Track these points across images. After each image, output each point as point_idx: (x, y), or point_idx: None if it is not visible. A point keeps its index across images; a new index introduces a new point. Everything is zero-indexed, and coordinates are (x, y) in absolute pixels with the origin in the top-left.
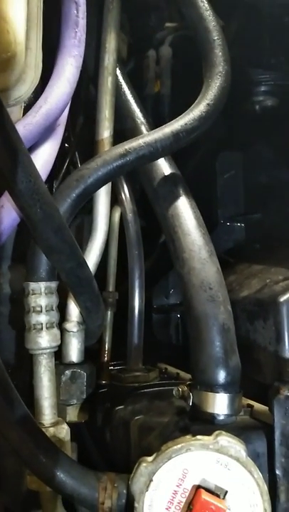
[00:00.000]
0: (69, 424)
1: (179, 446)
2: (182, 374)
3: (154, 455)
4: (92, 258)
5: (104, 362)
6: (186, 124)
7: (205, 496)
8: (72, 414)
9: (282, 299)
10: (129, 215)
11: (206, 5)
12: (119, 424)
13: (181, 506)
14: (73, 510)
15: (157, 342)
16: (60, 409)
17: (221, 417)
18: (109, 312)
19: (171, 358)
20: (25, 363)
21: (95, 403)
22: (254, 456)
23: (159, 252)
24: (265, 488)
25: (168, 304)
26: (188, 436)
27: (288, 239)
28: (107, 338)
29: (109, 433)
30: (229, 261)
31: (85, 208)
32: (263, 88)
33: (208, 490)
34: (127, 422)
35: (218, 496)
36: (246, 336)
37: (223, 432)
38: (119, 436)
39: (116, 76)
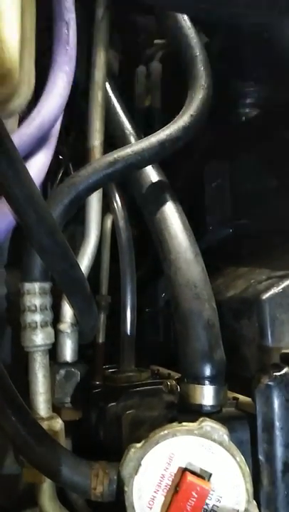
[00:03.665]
0: (63, 422)
1: (166, 432)
2: (173, 374)
3: (143, 441)
4: (84, 261)
5: (98, 364)
6: (170, 133)
7: (190, 478)
8: (67, 412)
9: (265, 296)
10: (121, 222)
11: (188, 23)
12: (111, 420)
13: (168, 489)
14: (67, 502)
15: (149, 347)
16: (55, 407)
17: (208, 408)
18: (102, 315)
19: (163, 361)
20: (21, 361)
21: (89, 402)
22: (238, 443)
23: (151, 261)
24: (247, 470)
25: (159, 308)
26: (174, 423)
27: (273, 242)
28: (101, 341)
29: (103, 430)
30: (218, 265)
31: (77, 218)
32: (248, 100)
33: (193, 473)
34: (118, 417)
35: (203, 478)
36: (233, 333)
37: (207, 419)
38: (112, 432)
39: (106, 90)
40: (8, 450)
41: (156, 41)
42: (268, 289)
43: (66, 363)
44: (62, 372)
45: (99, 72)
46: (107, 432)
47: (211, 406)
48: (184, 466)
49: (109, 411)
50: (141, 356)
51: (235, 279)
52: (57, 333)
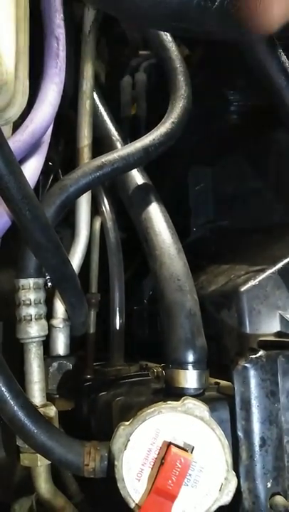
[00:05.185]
0: None
1: (152, 409)
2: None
3: (131, 419)
4: (75, 260)
5: (88, 359)
6: (154, 139)
7: (175, 450)
8: (60, 402)
9: (243, 289)
10: (109, 223)
11: (169, 37)
12: (102, 408)
13: (155, 462)
14: (61, 487)
15: (138, 343)
16: (48, 398)
17: (191, 391)
18: (92, 312)
19: (151, 356)
20: (16, 355)
21: (81, 395)
22: (219, 422)
23: (138, 262)
24: (226, 442)
25: (147, 305)
26: (160, 402)
27: (253, 241)
28: (91, 337)
29: (94, 418)
30: (201, 263)
31: (66, 223)
32: (231, 107)
33: (177, 446)
34: (109, 404)
35: (186, 450)
36: (215, 325)
37: (190, 397)
38: (103, 419)
39: (93, 99)
40: (1, 443)
41: (141, 52)
42: (245, 282)
43: (59, 356)
44: (55, 364)
45: (87, 83)
46: (98, 420)
47: (194, 389)
48: (168, 441)
49: (100, 400)
50: (131, 353)
51: (216, 275)
52: (50, 328)
